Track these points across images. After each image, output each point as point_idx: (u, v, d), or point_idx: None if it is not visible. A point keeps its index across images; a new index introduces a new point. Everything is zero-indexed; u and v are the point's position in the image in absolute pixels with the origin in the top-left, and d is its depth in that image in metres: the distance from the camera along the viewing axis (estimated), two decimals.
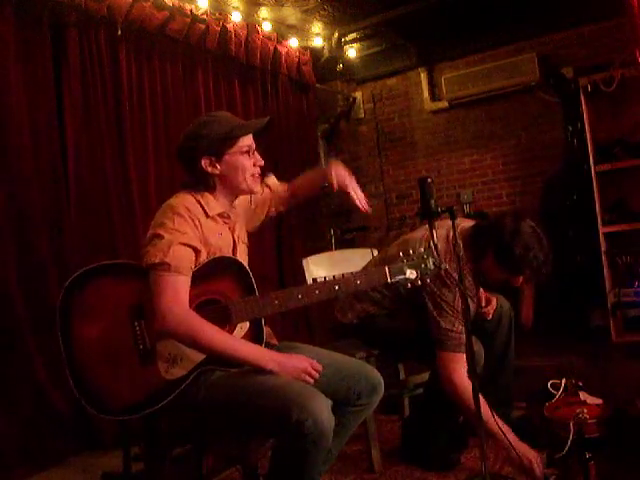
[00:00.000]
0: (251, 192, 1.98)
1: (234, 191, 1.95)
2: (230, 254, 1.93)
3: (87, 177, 3.29)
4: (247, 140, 1.92)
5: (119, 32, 3.49)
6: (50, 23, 3.18)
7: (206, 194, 1.91)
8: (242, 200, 2.09)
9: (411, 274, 1.85)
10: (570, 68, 4.71)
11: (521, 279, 2.36)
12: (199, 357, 1.78)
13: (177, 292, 1.73)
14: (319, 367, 1.77)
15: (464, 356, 2.19)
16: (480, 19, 4.63)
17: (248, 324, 1.84)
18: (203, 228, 1.84)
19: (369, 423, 2.52)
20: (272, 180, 2.26)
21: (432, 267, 1.86)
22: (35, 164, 3.06)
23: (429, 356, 2.44)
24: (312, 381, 1.75)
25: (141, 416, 1.80)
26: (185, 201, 1.85)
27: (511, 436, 2.22)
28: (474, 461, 2.52)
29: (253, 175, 1.93)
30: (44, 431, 2.92)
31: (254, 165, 1.93)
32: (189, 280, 1.77)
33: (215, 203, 1.91)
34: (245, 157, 1.91)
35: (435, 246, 1.95)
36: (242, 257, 1.98)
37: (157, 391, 1.76)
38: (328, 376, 1.85)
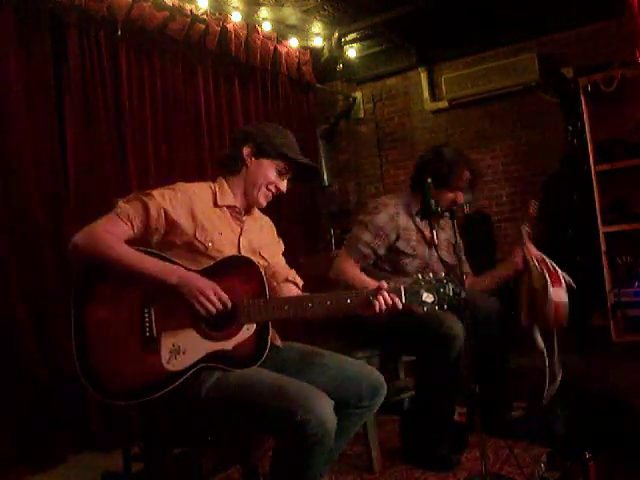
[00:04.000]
0: (256, 203, 2.02)
1: (245, 192, 2.00)
2: (232, 252, 1.93)
3: (87, 177, 3.29)
4: (288, 164, 2.00)
5: (119, 32, 3.49)
6: (50, 23, 3.19)
7: (224, 183, 2.00)
8: (269, 231, 2.15)
9: (428, 297, 1.80)
10: (570, 68, 4.70)
11: (460, 189, 2.58)
12: (202, 352, 1.78)
13: (108, 223, 1.80)
14: (224, 298, 1.75)
15: (351, 257, 2.54)
16: (480, 19, 4.62)
17: (255, 325, 1.84)
18: (199, 211, 1.89)
19: (369, 423, 2.52)
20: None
21: (451, 294, 1.79)
22: (35, 164, 3.06)
23: (430, 351, 2.46)
24: (211, 308, 1.74)
25: (136, 404, 1.80)
26: (199, 187, 1.97)
27: None
28: (474, 461, 2.52)
29: (266, 194, 2.00)
30: (44, 431, 2.92)
31: (275, 186, 2.00)
32: (127, 231, 1.81)
33: (229, 195, 1.99)
34: (275, 174, 1.99)
35: (434, 243, 1.95)
36: None
37: (156, 380, 1.75)
38: (330, 378, 1.85)
